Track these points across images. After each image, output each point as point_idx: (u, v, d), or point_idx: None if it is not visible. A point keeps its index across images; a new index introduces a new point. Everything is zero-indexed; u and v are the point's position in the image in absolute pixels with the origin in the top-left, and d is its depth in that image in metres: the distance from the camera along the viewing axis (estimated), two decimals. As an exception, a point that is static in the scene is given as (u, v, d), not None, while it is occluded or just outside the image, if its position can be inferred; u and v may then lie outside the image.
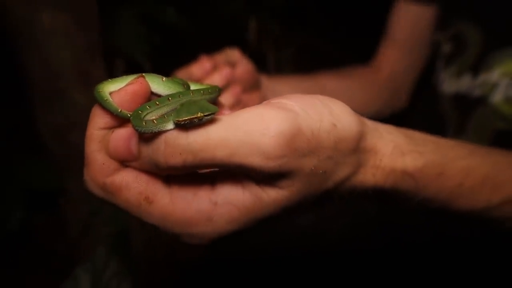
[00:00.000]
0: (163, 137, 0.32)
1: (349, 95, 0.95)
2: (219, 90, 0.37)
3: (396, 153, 0.40)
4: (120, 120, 0.35)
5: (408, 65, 1.03)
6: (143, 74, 0.36)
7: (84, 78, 1.01)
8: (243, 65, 0.72)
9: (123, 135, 0.34)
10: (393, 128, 0.42)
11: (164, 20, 1.46)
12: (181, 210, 0.34)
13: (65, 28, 0.95)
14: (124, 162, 0.35)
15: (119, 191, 0.34)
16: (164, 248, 1.55)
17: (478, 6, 0.83)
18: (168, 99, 0.35)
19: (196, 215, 0.33)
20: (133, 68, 1.53)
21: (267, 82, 0.82)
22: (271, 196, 0.34)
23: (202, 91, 0.37)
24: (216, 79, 0.66)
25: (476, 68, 0.82)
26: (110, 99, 0.35)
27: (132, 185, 0.34)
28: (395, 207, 0.47)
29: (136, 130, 0.32)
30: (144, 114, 0.33)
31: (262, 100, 0.66)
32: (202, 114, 0.31)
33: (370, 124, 0.39)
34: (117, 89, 0.35)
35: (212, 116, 0.31)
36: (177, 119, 0.31)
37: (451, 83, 0.88)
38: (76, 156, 1.12)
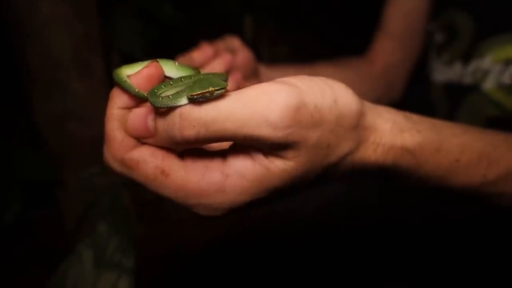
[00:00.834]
0: (177, 111, 0.35)
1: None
2: (227, 77, 0.40)
3: (395, 130, 0.42)
4: (137, 100, 0.38)
5: (403, 57, 1.03)
6: (157, 59, 0.40)
7: (83, 68, 1.01)
8: (243, 53, 0.73)
9: (140, 114, 0.37)
10: (392, 109, 0.45)
11: (161, 16, 1.47)
12: (195, 182, 0.36)
13: (64, 17, 0.94)
14: (141, 139, 0.38)
15: (137, 165, 0.37)
16: (163, 243, 1.55)
17: None
18: (181, 79, 0.38)
19: (209, 186, 0.36)
20: (129, 62, 1.53)
21: (265, 71, 0.83)
22: (279, 166, 0.36)
23: (211, 75, 0.39)
24: (217, 65, 0.66)
25: (468, 56, 0.83)
26: (128, 80, 0.38)
27: (149, 160, 0.37)
28: (395, 185, 0.48)
29: (153, 106, 0.35)
30: (160, 92, 0.36)
31: None
32: (213, 89, 0.33)
33: (370, 104, 0.42)
34: (134, 72, 0.39)
35: (222, 90, 0.34)
36: (190, 94, 0.34)
37: (442, 72, 0.89)
38: (74, 147, 1.12)
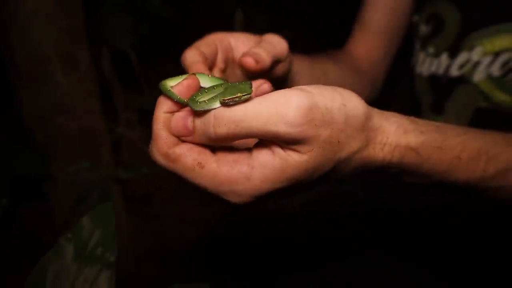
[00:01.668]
0: (212, 113, 0.42)
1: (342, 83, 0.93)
2: (251, 84, 0.46)
3: (400, 131, 0.47)
4: (179, 105, 0.47)
5: (386, 52, 1.01)
6: (195, 73, 0.50)
7: (69, 62, 1.00)
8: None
9: (181, 116, 0.45)
10: (396, 113, 0.49)
11: (150, 10, 1.46)
12: (226, 172, 0.43)
13: (49, 10, 0.93)
14: (181, 137, 0.45)
15: (179, 158, 0.44)
16: (153, 239, 1.56)
17: None
18: (214, 87, 0.46)
19: (237, 175, 0.42)
20: (119, 57, 1.53)
21: None
22: (295, 159, 0.42)
23: (238, 83, 0.46)
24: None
25: (455, 48, 0.82)
26: (172, 90, 0.46)
27: (188, 154, 0.44)
28: (400, 182, 0.52)
29: (192, 109, 0.43)
30: (197, 98, 0.44)
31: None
32: (241, 94, 0.41)
33: (377, 109, 0.47)
34: (176, 83, 0.47)
35: (249, 95, 0.41)
36: (222, 98, 0.41)
37: (428, 64, 0.88)
38: (61, 141, 1.12)
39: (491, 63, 0.77)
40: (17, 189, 1.14)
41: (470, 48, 0.79)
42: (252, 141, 0.45)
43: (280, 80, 0.65)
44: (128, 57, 1.52)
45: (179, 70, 0.65)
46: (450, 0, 0.83)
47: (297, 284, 0.84)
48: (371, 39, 1.00)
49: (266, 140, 0.43)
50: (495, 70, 0.77)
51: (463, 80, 0.81)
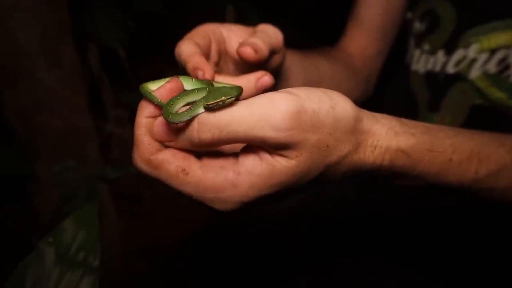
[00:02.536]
0: (196, 118, 0.40)
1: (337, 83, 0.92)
2: (237, 87, 0.44)
3: (390, 133, 0.46)
4: (161, 109, 0.44)
5: (379, 50, 1.00)
6: (178, 76, 0.47)
7: (52, 58, 0.97)
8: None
9: (163, 122, 0.42)
10: (387, 115, 0.48)
11: (139, 5, 1.43)
12: (211, 178, 0.41)
13: (30, 3, 0.90)
14: (164, 143, 0.43)
15: (162, 165, 0.42)
16: (142, 238, 1.54)
17: None
18: (196, 91, 0.44)
19: (223, 182, 0.41)
20: (107, 54, 1.50)
21: None
22: (283, 164, 0.40)
23: (223, 85, 0.46)
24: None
25: (450, 45, 0.81)
26: (152, 93, 0.44)
27: (172, 160, 0.42)
28: (391, 185, 0.51)
29: (169, 122, 0.41)
30: (172, 108, 0.42)
31: None
32: (225, 98, 0.39)
33: (366, 111, 0.46)
34: (157, 87, 0.45)
35: (233, 98, 0.39)
36: (206, 103, 0.39)
37: (422, 61, 0.87)
38: (45, 140, 1.09)
39: (488, 60, 0.76)
40: (0, 189, 1.11)
41: (467, 45, 0.79)
42: (239, 145, 0.43)
43: (273, 73, 0.61)
44: (117, 53, 1.49)
45: (170, 65, 0.62)
46: None
47: (291, 285, 0.82)
48: (364, 36, 0.98)
49: (253, 145, 0.41)
50: (492, 67, 0.76)
51: (459, 77, 0.80)
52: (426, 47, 0.86)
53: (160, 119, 0.43)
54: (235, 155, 0.43)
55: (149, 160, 0.43)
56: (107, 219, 1.34)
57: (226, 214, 0.43)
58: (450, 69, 0.81)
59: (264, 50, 0.56)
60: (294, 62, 0.72)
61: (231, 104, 0.40)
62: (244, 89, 0.51)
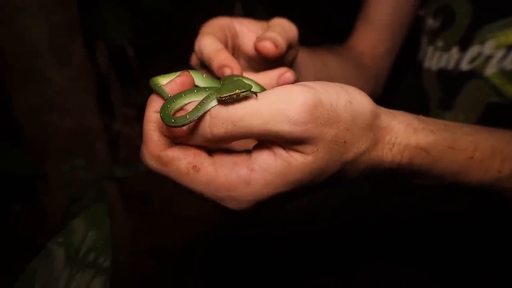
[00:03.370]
0: (208, 112, 0.39)
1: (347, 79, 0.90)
2: (259, 87, 0.44)
3: (409, 130, 0.44)
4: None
5: (390, 48, 0.98)
6: (189, 70, 0.45)
7: (62, 56, 0.97)
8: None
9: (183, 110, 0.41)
10: (404, 112, 0.46)
11: (148, 5, 1.43)
12: (223, 176, 0.39)
13: (39, 3, 0.90)
14: (175, 139, 0.42)
15: (172, 161, 0.40)
16: (151, 238, 1.53)
17: None
18: (205, 89, 0.42)
19: (236, 179, 0.39)
20: (115, 52, 1.50)
21: None
22: (299, 160, 0.39)
23: (236, 78, 0.44)
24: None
25: (465, 41, 0.80)
26: (162, 87, 0.43)
27: (182, 157, 0.40)
28: (410, 184, 0.49)
29: (166, 125, 0.39)
30: (172, 106, 0.40)
31: None
32: (239, 91, 0.38)
33: (383, 108, 0.44)
34: (167, 81, 0.44)
35: (247, 92, 0.38)
36: (219, 96, 0.38)
37: (437, 59, 0.86)
38: (54, 139, 1.08)
39: (505, 56, 0.74)
40: (9, 188, 1.11)
41: (482, 41, 0.77)
42: (251, 142, 0.42)
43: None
44: (125, 52, 1.48)
45: (177, 64, 0.61)
46: None
47: (299, 285, 0.81)
48: (374, 34, 0.97)
49: (267, 141, 0.40)
50: (508, 63, 0.74)
51: (474, 74, 0.78)
52: (440, 43, 0.85)
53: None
54: (248, 151, 0.41)
55: (158, 157, 0.41)
56: (116, 218, 1.34)
57: (239, 213, 0.41)
58: (464, 66, 0.80)
59: (283, 44, 0.53)
60: (303, 58, 0.70)
61: (245, 98, 0.38)
62: (265, 86, 0.50)
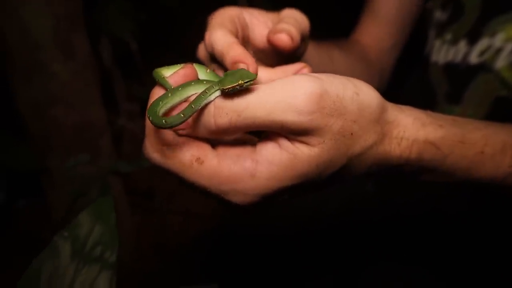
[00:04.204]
0: (212, 103, 0.38)
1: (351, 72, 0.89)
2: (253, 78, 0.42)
3: (417, 124, 0.43)
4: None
5: (395, 42, 0.97)
6: (192, 63, 0.44)
7: (66, 50, 0.96)
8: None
9: (177, 107, 0.40)
10: (412, 107, 0.45)
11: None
12: (227, 168, 0.39)
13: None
14: (178, 131, 0.40)
15: (174, 154, 0.40)
16: (156, 234, 1.53)
17: None
18: (204, 82, 0.41)
19: (240, 172, 0.38)
20: (119, 47, 1.49)
21: None
22: (305, 152, 0.38)
23: (239, 69, 0.42)
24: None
25: (474, 34, 0.79)
26: (166, 78, 0.42)
27: (185, 149, 0.40)
28: (418, 180, 0.48)
29: (154, 125, 0.38)
30: (161, 106, 0.39)
31: None
32: (242, 81, 0.37)
33: (390, 102, 0.43)
34: (171, 73, 0.43)
35: (251, 82, 0.38)
36: (222, 87, 0.37)
37: (444, 52, 0.84)
38: (58, 134, 1.08)
39: None
40: (13, 183, 1.10)
41: (492, 34, 0.76)
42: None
43: (294, 61, 0.55)
44: (128, 46, 1.48)
45: (181, 58, 0.60)
46: None
47: (303, 283, 0.81)
48: (380, 28, 0.95)
49: (272, 133, 0.39)
50: None
51: (484, 67, 0.77)
52: (448, 36, 0.84)
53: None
54: (253, 144, 0.41)
55: (161, 150, 0.40)
56: (120, 214, 1.33)
57: (243, 207, 0.40)
58: (473, 59, 0.79)
59: (298, 37, 0.51)
60: (309, 51, 0.69)
61: (249, 88, 0.38)
62: None
